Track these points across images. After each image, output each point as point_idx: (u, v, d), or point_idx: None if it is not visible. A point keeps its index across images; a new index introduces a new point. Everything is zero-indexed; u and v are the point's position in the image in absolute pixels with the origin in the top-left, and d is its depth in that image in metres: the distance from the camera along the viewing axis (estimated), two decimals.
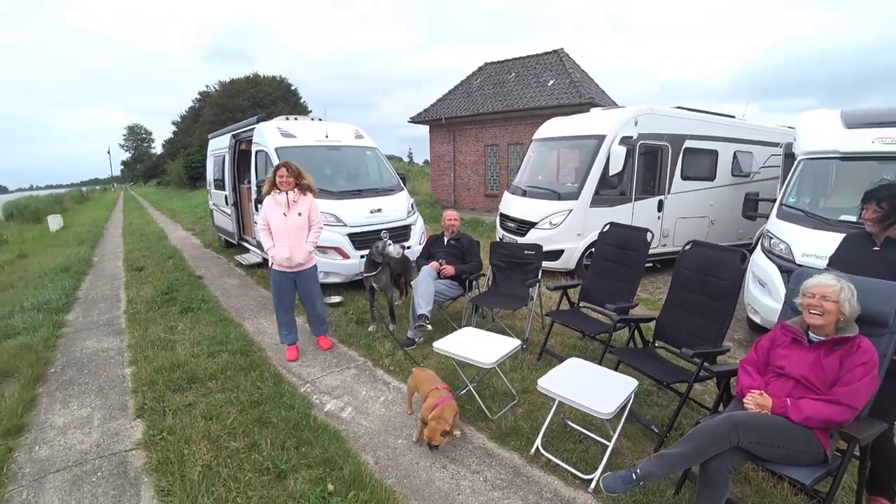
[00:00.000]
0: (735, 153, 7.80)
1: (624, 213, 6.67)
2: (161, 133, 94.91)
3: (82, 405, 3.53)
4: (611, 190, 6.73)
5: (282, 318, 4.28)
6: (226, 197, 8.54)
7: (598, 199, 6.60)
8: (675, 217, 7.22)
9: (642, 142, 6.69)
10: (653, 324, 3.48)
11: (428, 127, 17.54)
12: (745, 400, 2.16)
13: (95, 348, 4.68)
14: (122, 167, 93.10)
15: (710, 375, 2.70)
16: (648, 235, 4.07)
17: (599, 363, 3.19)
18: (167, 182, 49.22)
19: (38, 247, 12.50)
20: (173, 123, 58.91)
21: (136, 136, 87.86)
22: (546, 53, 15.61)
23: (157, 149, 78.28)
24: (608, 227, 4.46)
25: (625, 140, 6.49)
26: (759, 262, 4.47)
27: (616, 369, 3.13)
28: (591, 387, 2.63)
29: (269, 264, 4.22)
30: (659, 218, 7.05)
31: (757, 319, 4.48)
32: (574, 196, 6.60)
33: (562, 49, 15.34)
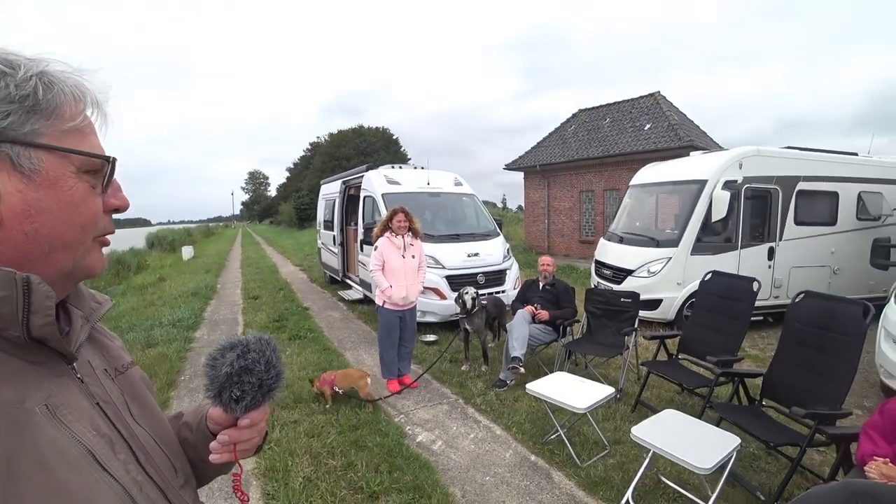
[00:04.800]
0: (860, 194, 7.06)
1: (729, 262, 6.26)
2: (276, 178, 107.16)
3: None
4: (714, 237, 6.42)
5: (389, 355, 4.45)
6: (334, 237, 9.31)
7: (700, 247, 6.30)
8: (788, 266, 6.63)
9: (748, 185, 6.34)
10: (760, 380, 3.25)
11: (523, 174, 17.75)
12: (866, 468, 1.98)
13: None
14: (242, 207, 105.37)
15: (827, 441, 2.48)
16: (755, 285, 3.84)
17: (699, 418, 3.04)
18: (279, 221, 54.51)
19: (173, 272, 14.41)
20: (287, 170, 65.58)
21: (256, 181, 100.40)
22: (642, 97, 15.36)
23: (273, 192, 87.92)
24: (710, 275, 4.28)
25: (728, 184, 6.21)
26: (894, 318, 4.00)
27: (717, 426, 2.96)
28: (688, 441, 2.54)
29: (381, 304, 4.41)
30: (769, 267, 6.52)
31: (892, 384, 3.97)
32: (674, 243, 6.38)
33: (658, 92, 15.04)
